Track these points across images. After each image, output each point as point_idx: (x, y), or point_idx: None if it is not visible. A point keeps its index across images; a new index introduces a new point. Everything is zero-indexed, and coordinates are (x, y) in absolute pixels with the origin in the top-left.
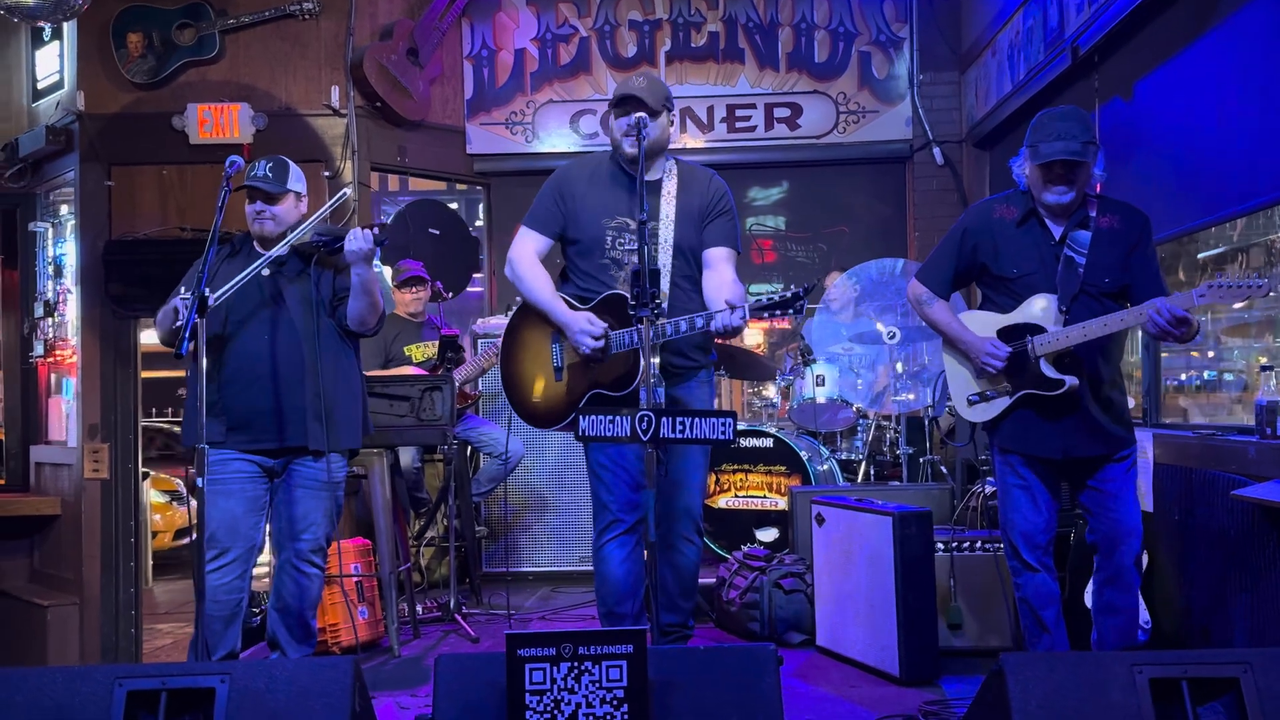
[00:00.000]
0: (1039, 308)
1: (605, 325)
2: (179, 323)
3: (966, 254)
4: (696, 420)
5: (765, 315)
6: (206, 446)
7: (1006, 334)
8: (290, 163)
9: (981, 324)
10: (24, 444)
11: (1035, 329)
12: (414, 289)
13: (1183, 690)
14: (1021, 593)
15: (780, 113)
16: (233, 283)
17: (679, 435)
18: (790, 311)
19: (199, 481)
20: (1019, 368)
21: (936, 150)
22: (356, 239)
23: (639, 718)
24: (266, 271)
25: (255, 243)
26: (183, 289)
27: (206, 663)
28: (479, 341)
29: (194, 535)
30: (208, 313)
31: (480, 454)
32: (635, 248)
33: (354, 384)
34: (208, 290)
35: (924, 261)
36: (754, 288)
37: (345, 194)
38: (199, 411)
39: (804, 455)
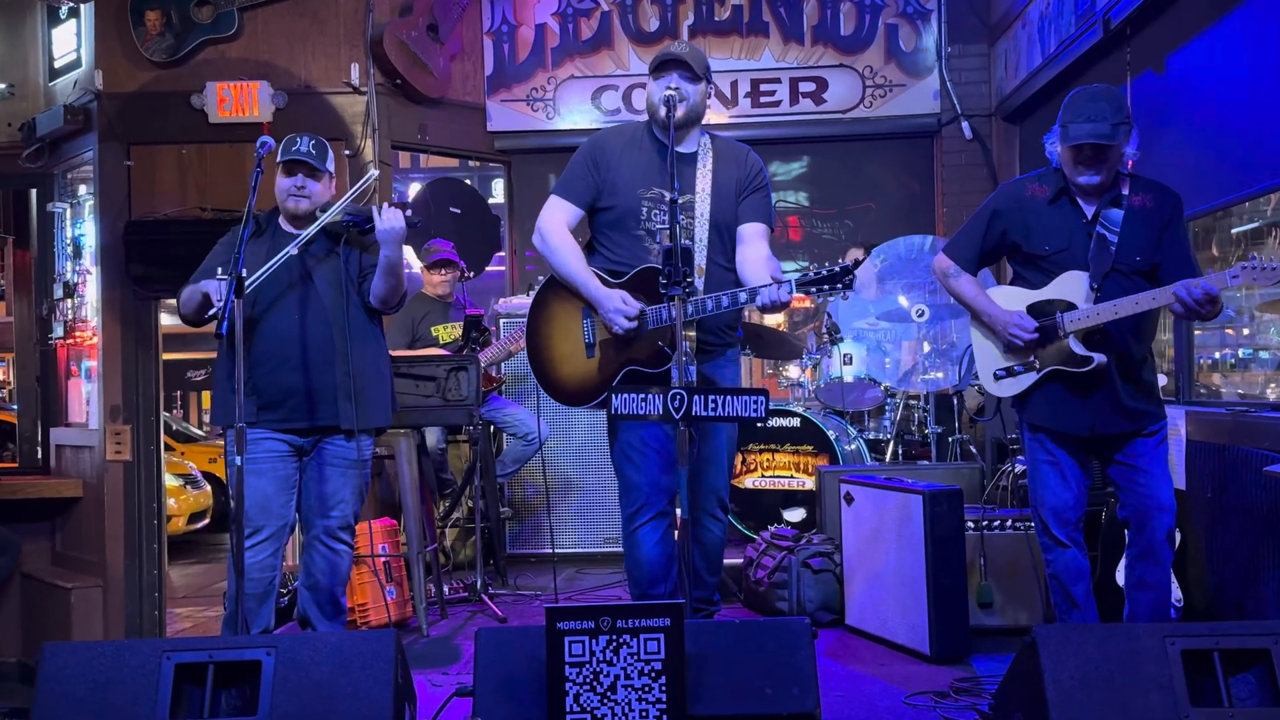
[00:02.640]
0: (1070, 284)
1: (640, 305)
2: (217, 306)
3: (995, 233)
4: (729, 398)
5: (811, 291)
6: (245, 425)
7: (1036, 310)
8: (328, 145)
9: (1010, 299)
10: (43, 426)
11: (1065, 305)
12: (444, 270)
13: (1214, 661)
14: (1052, 569)
15: (805, 87)
16: (272, 262)
17: (711, 413)
18: (839, 287)
19: (237, 460)
20: (1047, 344)
21: (965, 124)
22: (389, 219)
23: (676, 689)
24: (295, 251)
25: (282, 220)
26: (220, 270)
27: (252, 635)
28: (501, 322)
29: (225, 516)
30: (244, 293)
31: (504, 435)
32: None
33: (381, 364)
34: (245, 270)
35: (952, 236)
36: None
37: (374, 175)
38: (232, 391)
39: (831, 435)
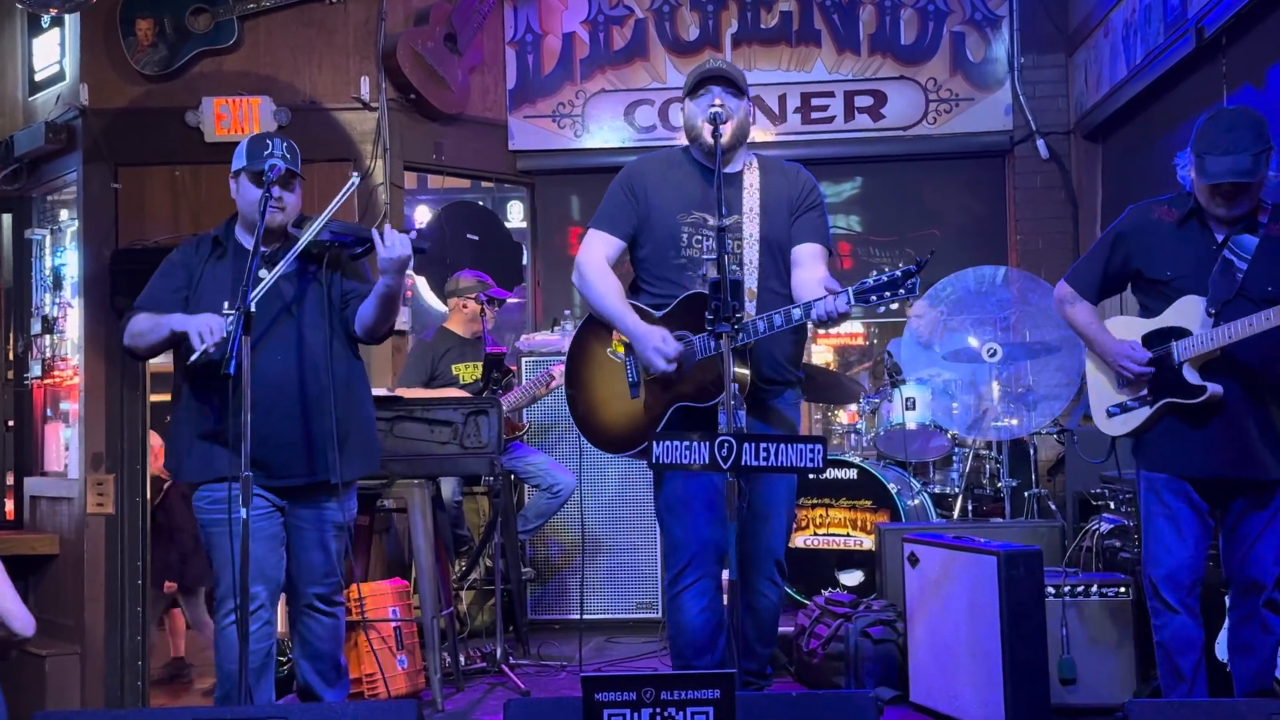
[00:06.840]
0: (1186, 310)
1: (679, 347)
2: (204, 345)
3: (1118, 259)
4: (781, 446)
5: (871, 300)
6: (249, 475)
7: (1151, 339)
8: (296, 146)
9: (1127, 329)
10: (16, 475)
11: (1182, 333)
12: (484, 305)
13: None
14: (1159, 635)
15: (862, 101)
16: (262, 285)
17: (762, 464)
18: (901, 293)
19: (242, 513)
20: (1160, 374)
21: (1040, 142)
22: (395, 245)
23: None
24: (277, 275)
25: (241, 235)
26: (186, 298)
27: (265, 705)
28: (524, 361)
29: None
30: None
31: (526, 487)
32: (715, 247)
33: (366, 405)
34: (254, 307)
35: (1075, 264)
36: None
37: (353, 183)
38: (199, 439)
39: (892, 488)
